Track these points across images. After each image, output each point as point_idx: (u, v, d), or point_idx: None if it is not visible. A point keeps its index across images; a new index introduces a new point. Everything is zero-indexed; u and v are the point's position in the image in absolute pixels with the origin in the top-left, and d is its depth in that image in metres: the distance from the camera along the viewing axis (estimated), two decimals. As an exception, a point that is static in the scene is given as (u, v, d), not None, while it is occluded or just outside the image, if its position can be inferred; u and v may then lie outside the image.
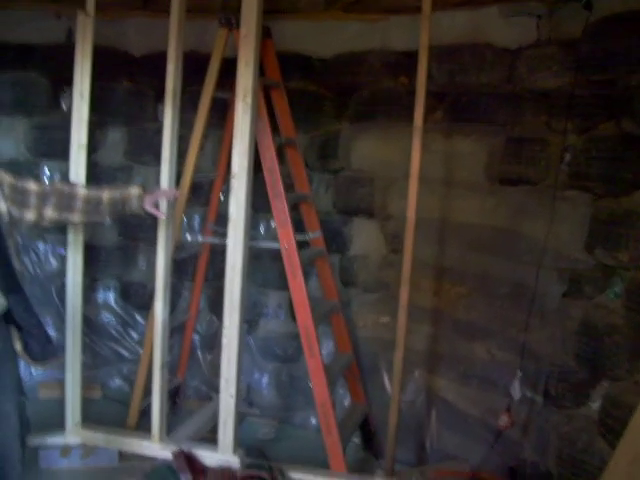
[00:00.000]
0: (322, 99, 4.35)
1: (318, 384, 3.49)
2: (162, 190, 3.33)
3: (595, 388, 2.94)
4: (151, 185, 4.18)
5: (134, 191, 3.04)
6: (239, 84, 3.27)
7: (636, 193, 2.84)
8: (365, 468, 3.76)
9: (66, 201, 2.89)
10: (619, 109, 2.98)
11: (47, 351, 2.79)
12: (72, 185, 3.08)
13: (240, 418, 3.62)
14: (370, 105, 4.20)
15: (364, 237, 4.31)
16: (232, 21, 3.61)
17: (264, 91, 3.64)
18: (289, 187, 3.80)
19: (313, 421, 4.30)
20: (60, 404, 3.76)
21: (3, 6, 4.43)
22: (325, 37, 4.29)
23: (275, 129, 3.73)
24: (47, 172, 4.74)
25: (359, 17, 4.19)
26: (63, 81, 4.55)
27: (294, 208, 3.79)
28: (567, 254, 3.21)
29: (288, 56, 4.09)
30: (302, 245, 3.70)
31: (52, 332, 4.75)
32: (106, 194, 3.00)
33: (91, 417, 3.80)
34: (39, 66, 4.64)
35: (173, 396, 4.31)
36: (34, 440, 3.64)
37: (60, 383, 4.12)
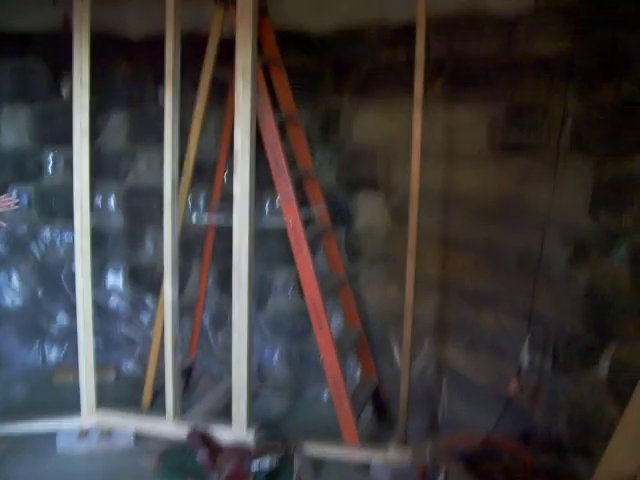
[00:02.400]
0: (322, 74, 4.34)
1: (328, 358, 3.51)
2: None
3: (603, 352, 2.95)
4: (156, 166, 4.21)
5: None
6: (238, 62, 3.28)
7: (637, 156, 2.84)
8: (378, 439, 3.79)
9: None
10: (619, 71, 2.97)
11: None
12: None
13: (253, 395, 3.66)
14: (370, 78, 4.19)
15: (369, 210, 4.32)
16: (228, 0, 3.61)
17: (263, 68, 3.64)
18: (292, 163, 3.80)
19: (325, 395, 4.34)
20: (75, 388, 3.81)
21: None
22: (322, 12, 4.28)
23: (276, 106, 3.74)
24: (51, 159, 4.78)
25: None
26: (62, 67, 4.56)
27: (298, 184, 3.80)
28: (571, 220, 3.21)
29: (286, 32, 4.06)
30: (307, 221, 3.71)
31: (63, 318, 4.83)
32: None
33: (106, 400, 3.84)
34: (38, 53, 4.66)
35: (186, 376, 4.34)
36: (51, 424, 3.70)
37: (74, 367, 4.18)
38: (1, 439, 3.67)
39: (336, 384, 3.50)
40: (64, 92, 4.66)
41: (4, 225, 3.26)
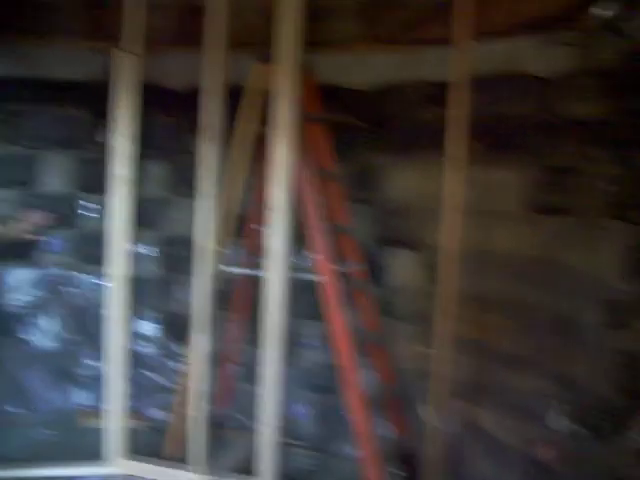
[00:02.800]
0: (359, 130, 4.38)
1: (358, 415, 3.48)
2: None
3: (635, 418, 2.89)
4: (190, 218, 4.26)
5: None
6: (276, 117, 3.33)
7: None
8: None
9: None
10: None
11: None
12: None
13: (280, 449, 3.62)
14: (406, 136, 4.23)
15: (402, 268, 4.31)
16: (270, 55, 3.67)
17: (303, 124, 3.69)
18: (328, 218, 3.82)
19: (354, 452, 4.27)
20: (98, 432, 3.81)
21: (41, 44, 4.58)
22: (360, 69, 4.35)
23: (314, 161, 3.77)
24: (89, 206, 4.86)
25: (394, 48, 4.23)
26: (102, 116, 4.66)
27: (333, 239, 3.80)
28: (607, 284, 3.16)
29: (324, 88, 4.12)
30: (342, 276, 3.71)
31: (93, 363, 4.86)
32: None
33: (131, 447, 3.83)
34: (80, 102, 4.77)
35: (213, 426, 4.32)
36: (75, 470, 3.70)
37: (98, 411, 4.19)
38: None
39: (365, 442, 3.46)
40: (104, 140, 4.75)
41: (34, 238, 3.34)
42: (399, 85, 4.26)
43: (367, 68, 4.36)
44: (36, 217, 3.48)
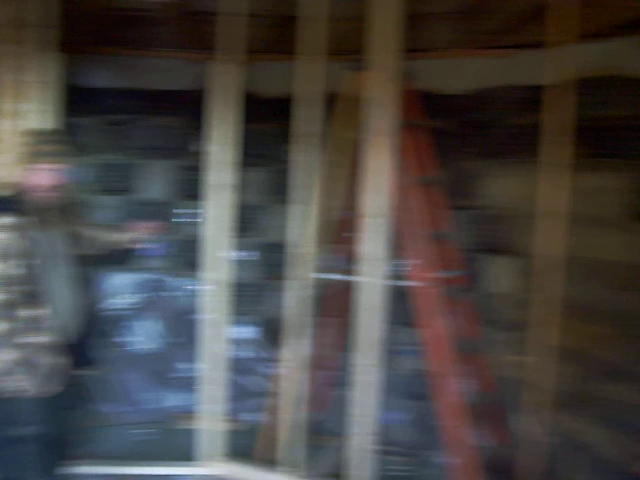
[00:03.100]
0: (457, 136, 4.34)
1: (454, 424, 3.44)
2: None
3: None
4: (289, 223, 4.29)
5: None
6: (375, 124, 3.32)
7: None
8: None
9: None
10: None
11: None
12: None
13: (373, 456, 3.61)
14: (504, 141, 4.17)
15: (501, 275, 4.25)
16: (364, 62, 3.68)
17: (401, 130, 3.67)
18: (428, 225, 3.79)
19: (449, 461, 4.22)
20: (193, 433, 3.88)
21: (140, 55, 4.73)
22: (456, 74, 4.31)
23: (413, 167, 3.75)
24: (188, 212, 4.97)
25: (491, 53, 4.18)
26: (199, 125, 4.77)
27: (433, 246, 3.77)
28: None
29: (422, 94, 4.10)
30: (441, 283, 3.68)
31: (189, 366, 4.97)
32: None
33: (229, 449, 3.89)
34: (176, 111, 4.90)
35: (307, 431, 4.33)
36: (170, 469, 3.78)
37: (194, 413, 4.26)
38: (128, 479, 3.80)
39: (462, 451, 3.42)
40: (201, 148, 4.85)
41: (159, 247, 3.44)
42: (496, 90, 4.21)
43: (463, 73, 4.33)
44: (142, 225, 3.58)
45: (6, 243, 2.59)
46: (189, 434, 4.35)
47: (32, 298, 2.69)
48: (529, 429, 3.66)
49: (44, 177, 2.80)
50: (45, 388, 2.68)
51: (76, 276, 2.98)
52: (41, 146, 2.83)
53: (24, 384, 2.62)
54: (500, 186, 4.25)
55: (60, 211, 2.98)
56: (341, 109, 3.83)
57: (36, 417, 2.72)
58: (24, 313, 2.65)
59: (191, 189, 4.81)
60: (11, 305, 2.59)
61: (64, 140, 2.92)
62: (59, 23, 3.57)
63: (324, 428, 4.56)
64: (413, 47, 4.12)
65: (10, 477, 2.77)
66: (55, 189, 2.88)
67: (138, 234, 3.60)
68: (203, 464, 3.82)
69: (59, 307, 2.82)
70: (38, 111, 3.50)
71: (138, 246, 3.66)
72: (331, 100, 3.85)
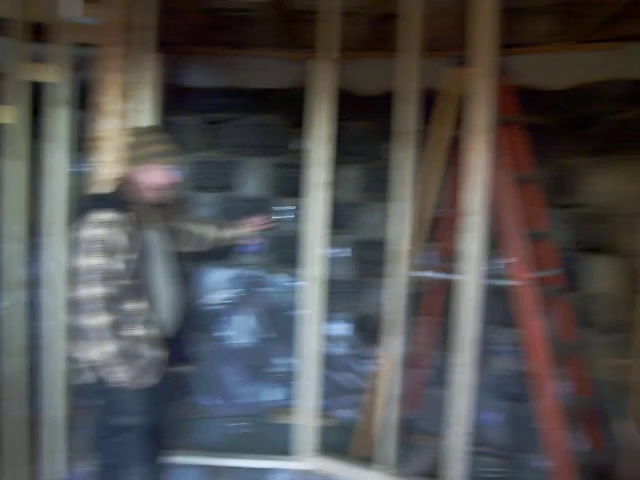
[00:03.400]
0: (556, 133, 4.25)
1: (552, 427, 3.37)
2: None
3: None
4: (387, 220, 4.29)
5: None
6: (474, 121, 3.28)
7: None
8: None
9: None
10: None
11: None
12: None
13: (469, 456, 3.57)
14: (608, 137, 4.05)
15: (603, 275, 4.14)
16: (465, 59, 3.64)
17: (498, 127, 3.62)
18: (525, 224, 3.72)
19: (545, 465, 4.13)
20: (292, 430, 3.93)
21: (238, 54, 4.79)
22: (557, 69, 4.22)
23: (510, 165, 3.69)
24: (286, 209, 5.03)
25: (593, 47, 4.07)
26: (297, 123, 4.81)
27: (531, 245, 3.70)
28: None
29: (520, 90, 4.02)
30: (539, 283, 3.61)
31: (287, 361, 5.03)
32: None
33: (323, 445, 3.92)
34: (276, 109, 4.95)
35: (403, 429, 4.32)
36: (268, 463, 3.84)
37: (292, 409, 4.30)
38: (223, 471, 3.90)
39: (559, 456, 3.35)
40: (300, 146, 4.90)
41: (258, 243, 3.50)
42: (598, 84, 4.10)
43: (564, 68, 4.23)
44: (245, 222, 3.65)
45: (110, 239, 2.67)
46: (283, 428, 4.43)
47: (134, 292, 2.77)
48: (629, 435, 3.56)
49: (160, 176, 2.89)
50: (145, 380, 2.76)
51: (176, 271, 3.06)
52: (154, 146, 2.90)
53: (125, 375, 2.70)
54: (600, 184, 4.14)
55: (163, 208, 3.07)
56: (441, 106, 3.79)
57: (136, 407, 2.81)
58: (126, 306, 2.73)
59: (289, 186, 4.87)
60: (114, 299, 2.67)
61: (171, 139, 2.99)
62: (159, 24, 3.67)
63: (418, 427, 4.55)
64: (512, 42, 4.07)
65: (111, 463, 2.86)
66: (169, 187, 2.98)
67: (241, 231, 3.67)
68: (297, 459, 3.86)
69: (160, 301, 2.89)
70: (140, 110, 3.61)
71: (240, 242, 3.73)
72: (429, 97, 3.82)
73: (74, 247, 2.70)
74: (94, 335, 2.62)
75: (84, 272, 2.64)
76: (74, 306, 2.67)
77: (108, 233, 2.69)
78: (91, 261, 2.64)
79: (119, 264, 2.70)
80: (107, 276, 2.66)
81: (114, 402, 2.78)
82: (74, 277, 2.66)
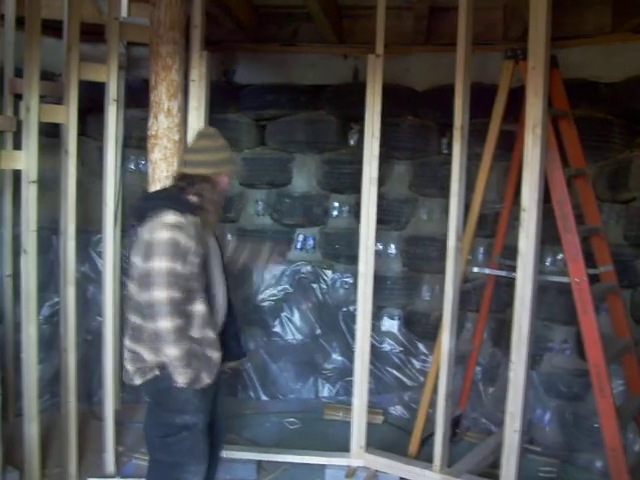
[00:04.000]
0: (611, 126, 4.17)
1: (609, 427, 3.31)
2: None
3: None
4: (437, 216, 4.29)
5: None
6: (528, 115, 3.23)
7: None
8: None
9: None
10: None
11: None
12: None
13: (522, 454, 3.53)
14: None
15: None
16: (518, 52, 3.60)
17: (552, 121, 3.57)
18: (579, 219, 3.67)
19: (598, 464, 4.07)
20: (343, 426, 3.92)
21: (296, 50, 4.81)
22: (612, 61, 4.14)
23: (564, 159, 3.63)
24: (335, 205, 5.04)
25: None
26: (351, 118, 4.81)
27: (584, 241, 3.64)
28: None
29: (573, 83, 3.96)
30: (593, 279, 3.55)
31: (338, 357, 5.04)
32: None
33: (373, 441, 3.92)
34: (328, 105, 4.94)
35: (453, 426, 4.30)
36: (321, 459, 3.85)
37: (343, 406, 4.31)
38: (276, 465, 3.94)
39: (615, 456, 3.28)
40: (351, 142, 4.90)
41: (281, 260, 3.51)
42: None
43: (617, 59, 4.15)
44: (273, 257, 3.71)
45: (184, 242, 2.67)
46: (338, 425, 4.44)
47: (199, 294, 2.78)
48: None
49: (228, 181, 2.94)
50: (207, 380, 2.78)
51: (229, 271, 3.08)
52: (227, 151, 2.91)
53: (191, 376, 2.72)
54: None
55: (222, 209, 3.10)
56: (499, 100, 3.74)
57: (198, 407, 2.83)
58: (193, 309, 2.75)
59: (340, 182, 4.86)
60: (184, 301, 2.69)
61: (227, 140, 2.98)
62: (208, 22, 3.70)
63: (471, 424, 4.52)
64: (563, 35, 4.01)
65: (166, 461, 2.89)
66: (229, 189, 3.02)
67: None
68: (351, 455, 3.86)
69: (217, 302, 2.91)
70: (190, 108, 3.62)
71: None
72: (483, 91, 3.78)
73: (145, 248, 2.68)
74: (163, 337, 2.63)
75: (157, 275, 2.62)
76: (144, 308, 2.68)
77: (182, 236, 2.67)
78: (166, 264, 2.63)
79: (190, 267, 2.70)
80: (179, 279, 2.66)
81: (177, 402, 2.80)
82: (145, 279, 2.65)
